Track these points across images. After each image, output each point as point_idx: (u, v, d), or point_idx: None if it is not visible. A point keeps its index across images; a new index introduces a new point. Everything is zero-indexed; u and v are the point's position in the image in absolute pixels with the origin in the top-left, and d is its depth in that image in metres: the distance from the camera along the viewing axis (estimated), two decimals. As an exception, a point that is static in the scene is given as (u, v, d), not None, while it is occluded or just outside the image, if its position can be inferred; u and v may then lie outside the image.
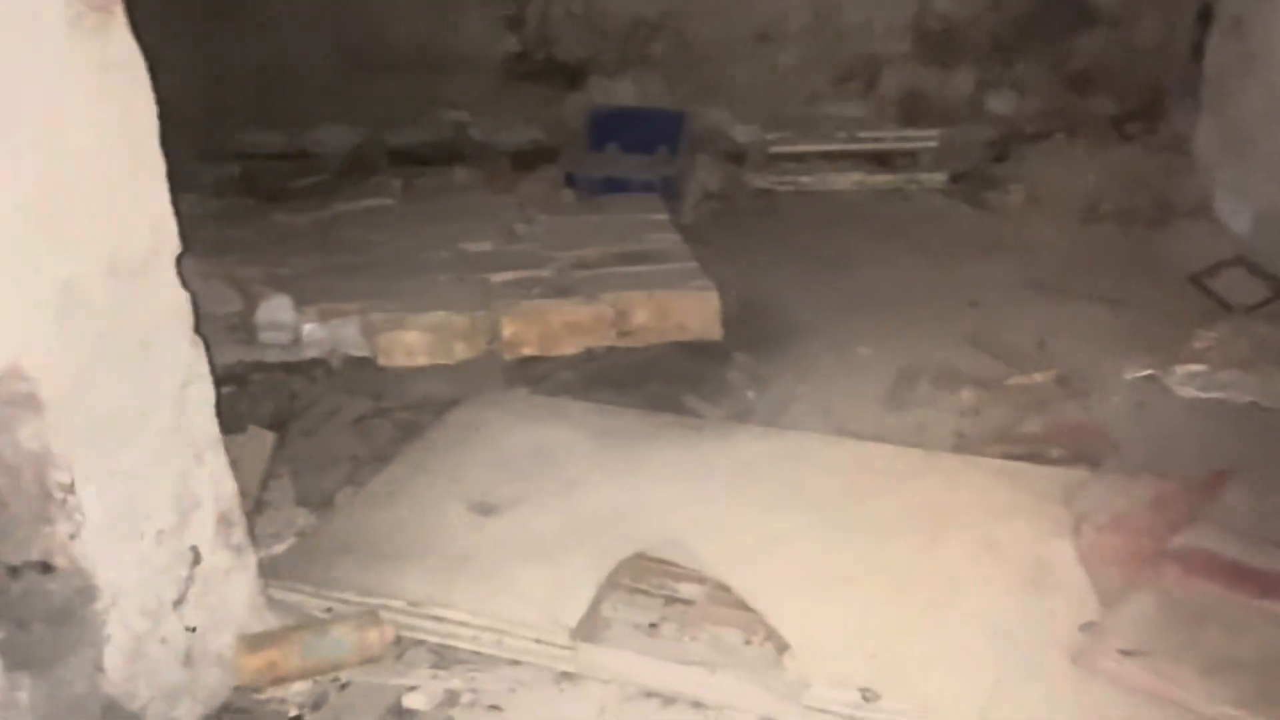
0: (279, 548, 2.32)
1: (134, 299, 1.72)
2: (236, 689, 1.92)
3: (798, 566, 2.07)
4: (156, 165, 1.76)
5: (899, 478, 2.41)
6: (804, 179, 4.75)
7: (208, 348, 1.90)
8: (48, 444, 1.54)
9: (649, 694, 1.89)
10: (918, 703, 1.75)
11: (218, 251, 3.44)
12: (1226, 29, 4.08)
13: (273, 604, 2.03)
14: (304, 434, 2.88)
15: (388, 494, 2.44)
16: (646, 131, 4.72)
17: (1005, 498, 2.30)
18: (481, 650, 1.99)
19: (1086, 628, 1.89)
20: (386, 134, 5.17)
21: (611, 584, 2.04)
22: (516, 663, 1.96)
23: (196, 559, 1.82)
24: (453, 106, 5.24)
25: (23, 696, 1.59)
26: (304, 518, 2.49)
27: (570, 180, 4.48)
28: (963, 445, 2.70)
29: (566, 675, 1.95)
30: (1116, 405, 2.86)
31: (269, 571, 2.08)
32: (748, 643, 1.96)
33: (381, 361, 3.21)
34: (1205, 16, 4.29)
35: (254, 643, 1.91)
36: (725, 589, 2.02)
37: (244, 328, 3.28)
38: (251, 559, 1.98)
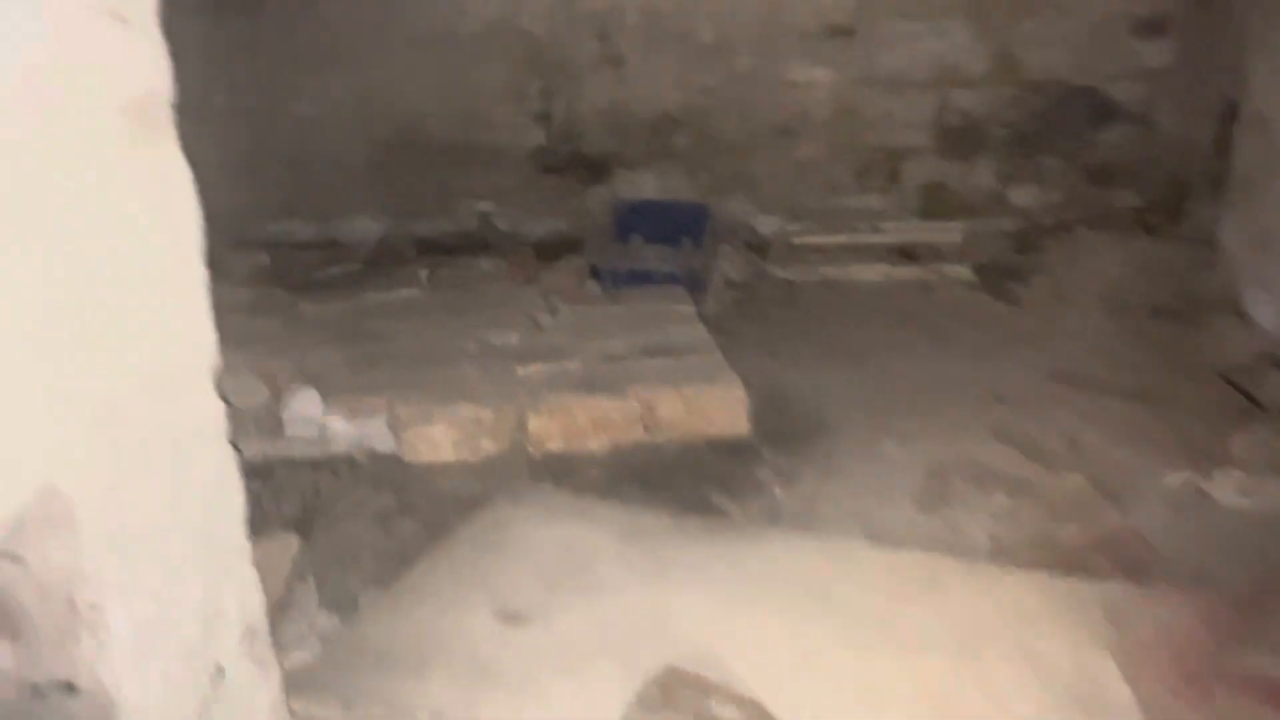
0: (302, 654, 2.28)
1: (170, 412, 1.72)
2: (257, 808, 1.86)
3: (834, 683, 2.02)
4: (199, 279, 1.77)
5: (935, 587, 2.36)
6: (827, 270, 4.77)
7: (235, 447, 1.89)
8: (79, 561, 1.51)
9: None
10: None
11: (246, 343, 3.45)
12: (1252, 125, 4.11)
13: (295, 718, 1.99)
14: (328, 531, 2.85)
15: (413, 598, 2.41)
16: (670, 223, 4.76)
17: (1045, 610, 2.24)
18: (509, 769, 1.93)
19: (1136, 753, 1.82)
20: (414, 224, 5.23)
21: (644, 703, 1.99)
22: (545, 783, 1.91)
23: (220, 675, 1.78)
24: (479, 198, 5.30)
25: (41, 820, 1.55)
26: (327, 621, 2.45)
27: (595, 272, 4.51)
28: (998, 551, 2.65)
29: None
30: (1155, 511, 2.80)
31: (292, 683, 2.04)
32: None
33: (407, 457, 3.19)
34: (1230, 113, 4.32)
35: (276, 760, 1.86)
36: (761, 709, 1.96)
37: (270, 421, 3.27)
38: (276, 673, 1.94)
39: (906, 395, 3.61)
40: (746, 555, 2.55)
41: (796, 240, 4.91)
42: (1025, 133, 5.06)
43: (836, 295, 4.65)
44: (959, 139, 5.10)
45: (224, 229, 4.99)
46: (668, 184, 5.20)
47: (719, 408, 3.35)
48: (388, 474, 3.15)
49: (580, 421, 3.24)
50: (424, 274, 4.52)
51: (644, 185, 5.20)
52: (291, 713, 1.99)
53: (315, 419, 3.23)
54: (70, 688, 1.54)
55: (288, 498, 3.01)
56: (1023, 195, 5.13)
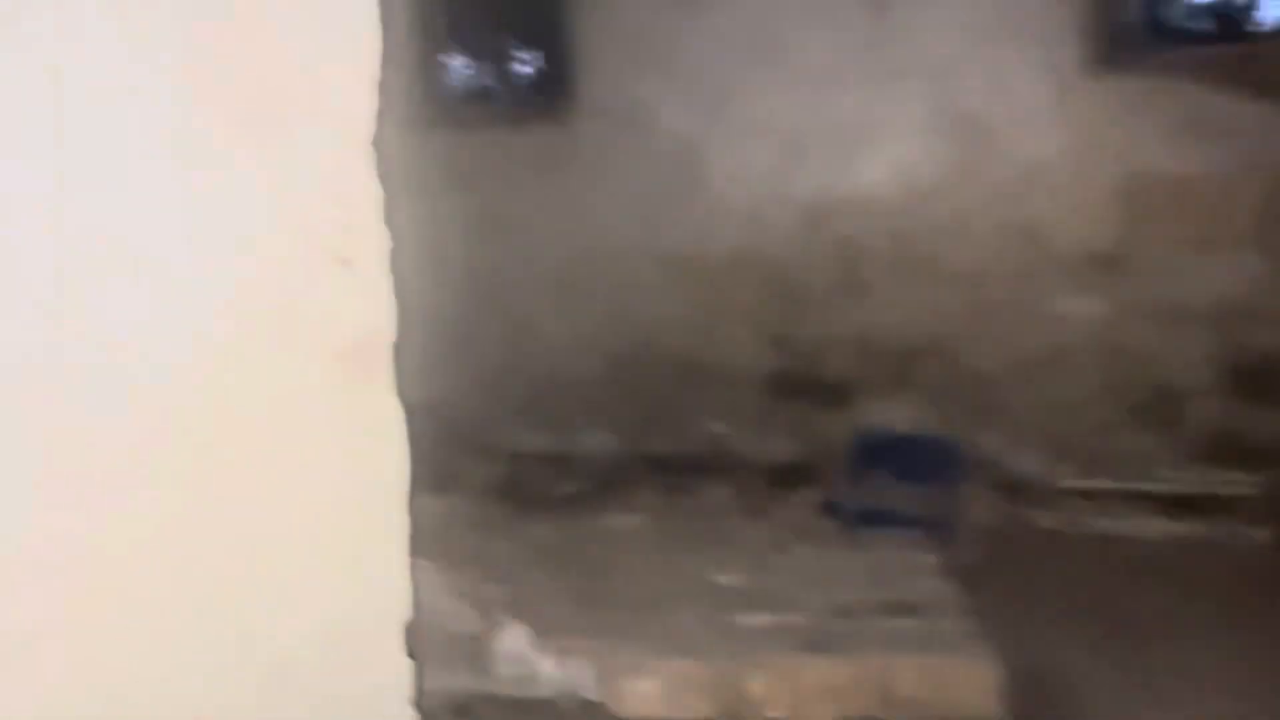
0: None
1: (352, 669, 1.57)
2: None
3: None
4: (400, 531, 1.65)
5: None
6: (1094, 521, 4.25)
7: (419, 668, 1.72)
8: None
9: None
10: None
11: (465, 563, 3.37)
12: None
13: None
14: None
15: None
16: (916, 460, 4.42)
17: None
18: None
19: None
20: (647, 442, 5.16)
21: None
22: None
23: None
24: (713, 419, 5.18)
25: None
26: None
27: (831, 508, 4.20)
28: None
29: None
30: None
31: None
32: None
33: (615, 709, 2.93)
34: None
35: None
36: None
37: (478, 653, 3.12)
38: None
39: (1196, 692, 3.03)
40: None
41: (1058, 485, 4.43)
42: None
43: (1106, 551, 4.11)
44: (1253, 379, 4.53)
45: (463, 437, 5.09)
46: (915, 416, 4.89)
47: (965, 685, 2.90)
48: (592, 727, 2.90)
49: (808, 687, 2.89)
50: (651, 498, 4.37)
51: (887, 416, 4.92)
52: None
53: (524, 657, 3.05)
54: None
55: (486, 743, 2.81)
56: (1334, 447, 4.46)
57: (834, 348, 5.08)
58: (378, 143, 1.57)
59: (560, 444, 5.28)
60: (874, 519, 4.05)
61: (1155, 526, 4.19)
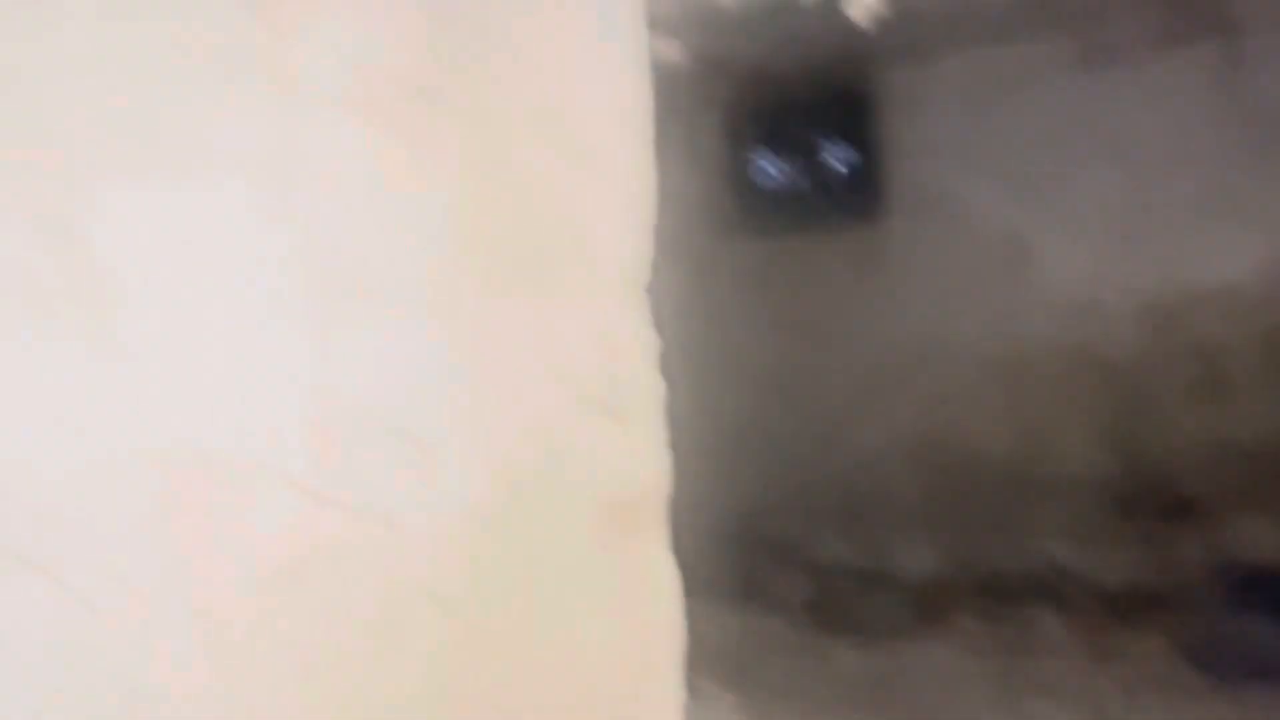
0: None
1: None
2: None
3: None
4: (672, 693, 1.53)
5: None
6: None
7: None
8: None
9: None
10: None
11: (762, 692, 3.20)
12: None
13: None
14: None
15: None
16: (1301, 597, 3.73)
17: None
18: None
19: None
20: (967, 560, 4.75)
21: None
22: None
23: None
24: (1042, 537, 4.69)
25: None
26: None
27: (1193, 652, 3.62)
28: None
29: None
30: None
31: None
32: None
33: None
34: None
35: None
36: None
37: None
38: None
39: None
40: None
41: None
42: None
43: None
44: None
45: (770, 548, 4.94)
46: (1294, 542, 4.17)
47: None
48: None
49: None
50: (972, 627, 3.98)
51: (1262, 542, 4.21)
52: None
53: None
54: None
55: None
56: None
57: (1189, 457, 4.46)
58: (654, 284, 1.50)
59: (873, 559, 4.98)
60: (1251, 671, 3.43)
61: None
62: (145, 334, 0.97)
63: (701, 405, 4.61)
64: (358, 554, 1.12)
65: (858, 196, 5.37)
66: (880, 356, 5.13)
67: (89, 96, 0.94)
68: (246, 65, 1.05)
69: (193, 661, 0.99)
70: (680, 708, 1.55)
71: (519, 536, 1.32)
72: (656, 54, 2.74)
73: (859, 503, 5.06)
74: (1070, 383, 4.75)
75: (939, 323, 5.01)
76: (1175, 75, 4.44)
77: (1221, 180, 4.36)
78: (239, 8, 1.04)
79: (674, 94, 3.20)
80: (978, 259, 4.91)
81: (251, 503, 1.03)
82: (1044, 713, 3.18)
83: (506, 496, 1.29)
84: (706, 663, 1.87)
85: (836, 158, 5.70)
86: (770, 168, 5.76)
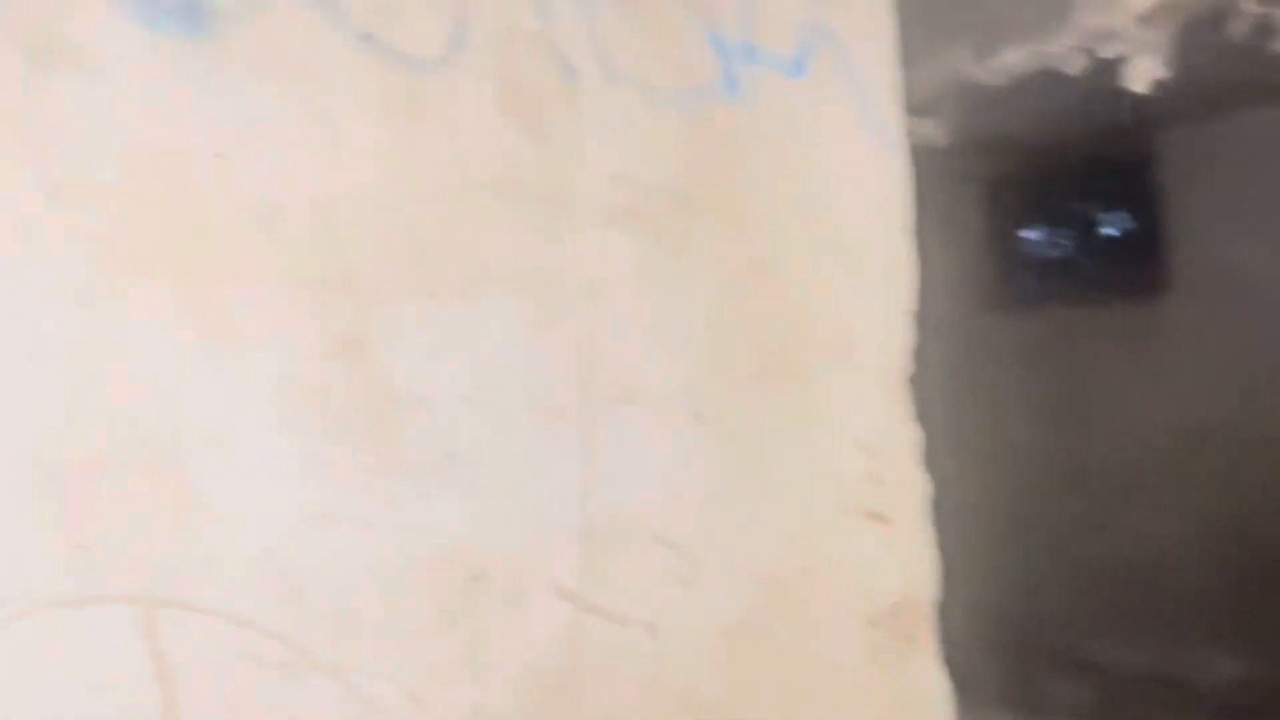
0: None
1: None
2: None
3: None
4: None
5: None
6: None
7: None
8: None
9: None
10: None
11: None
12: None
13: None
14: None
15: None
16: None
17: None
18: None
19: None
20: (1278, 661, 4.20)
21: None
22: None
23: None
24: (1379, 647, 4.08)
25: None
26: None
27: None
28: None
29: None
30: None
31: None
32: None
33: None
34: None
35: None
36: None
37: None
38: None
39: None
40: None
41: None
42: None
43: None
44: None
45: (1047, 650, 4.59)
46: None
47: None
48: None
49: None
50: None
51: None
52: None
53: None
54: None
55: None
56: None
57: None
58: (918, 375, 1.44)
59: (1166, 664, 4.49)
60: None
61: None
62: (425, 445, 1.01)
63: (969, 499, 4.38)
64: (621, 662, 1.12)
65: (1134, 268, 5.01)
66: (1163, 438, 4.70)
67: (376, 221, 1.01)
68: (523, 188, 1.10)
69: (466, 765, 1.01)
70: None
71: (781, 647, 1.27)
72: (915, 136, 2.68)
73: (1147, 600, 4.61)
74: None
75: (1226, 401, 4.54)
76: None
77: None
78: (516, 134, 1.10)
79: (934, 173, 3.12)
80: (1267, 333, 4.43)
81: (523, 610, 1.05)
82: None
83: (768, 606, 1.26)
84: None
85: (1110, 227, 5.37)
86: (1038, 241, 5.49)
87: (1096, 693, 4.32)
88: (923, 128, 2.59)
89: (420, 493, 1.00)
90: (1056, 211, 5.33)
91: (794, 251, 1.33)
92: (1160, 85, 2.32)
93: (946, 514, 1.48)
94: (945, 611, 1.43)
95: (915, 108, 2.73)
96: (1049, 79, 2.40)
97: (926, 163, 2.84)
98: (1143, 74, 2.23)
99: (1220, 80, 3.16)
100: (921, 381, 1.45)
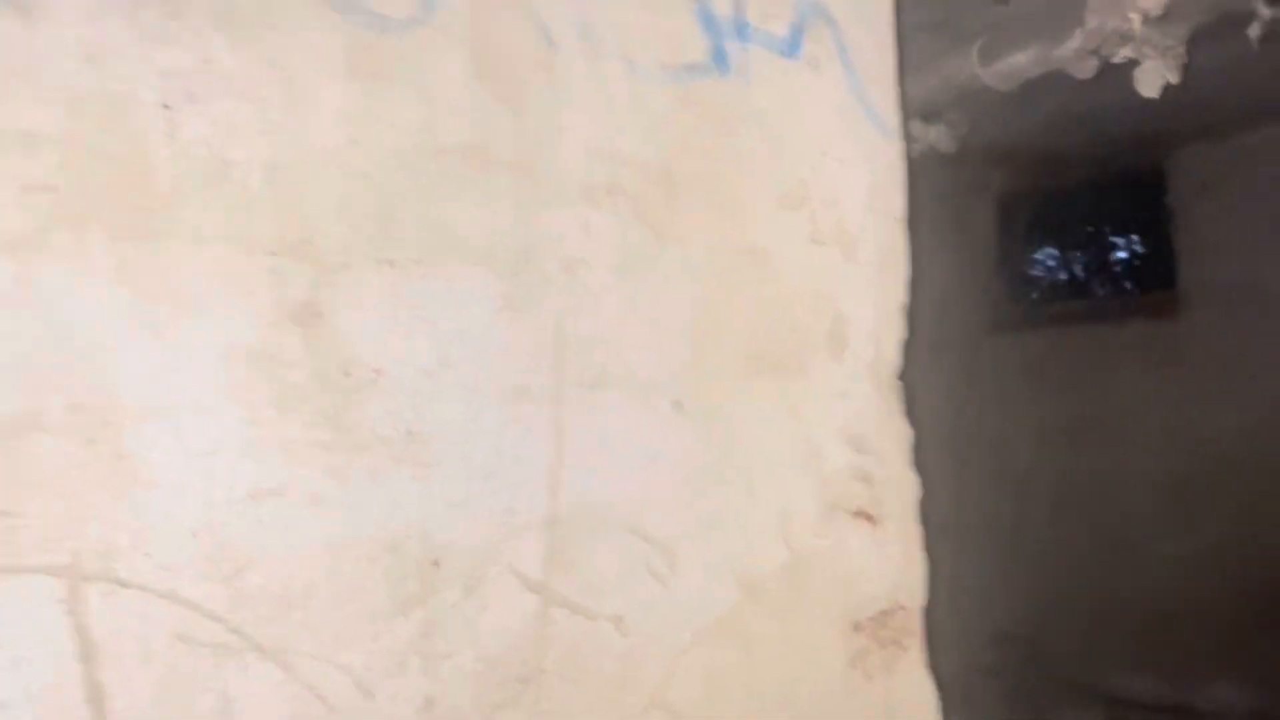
0: None
1: None
2: None
3: None
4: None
5: None
6: None
7: None
8: None
9: None
10: None
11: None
12: None
13: None
14: None
15: None
16: None
17: None
18: None
19: None
20: (1294, 698, 4.10)
21: None
22: None
23: None
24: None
25: None
26: None
27: None
28: None
29: None
30: None
31: None
32: None
33: None
34: None
35: None
36: None
37: None
38: None
39: None
40: None
41: None
42: None
43: None
44: None
45: (1057, 677, 4.49)
46: None
47: None
48: None
49: None
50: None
51: None
52: None
53: None
54: None
55: None
56: None
57: None
58: (909, 373, 1.38)
59: (1177, 694, 4.39)
60: None
61: None
62: (384, 422, 0.96)
63: (962, 507, 4.30)
64: (587, 657, 1.06)
65: (1148, 285, 4.94)
66: (1177, 463, 4.61)
67: (338, 184, 0.96)
68: (495, 156, 1.05)
69: (415, 761, 0.95)
70: None
71: (760, 648, 1.21)
72: (918, 138, 2.62)
73: (1158, 628, 4.51)
74: None
75: (1244, 426, 4.45)
76: None
77: None
78: (490, 101, 1.05)
79: (940, 180, 3.06)
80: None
81: (484, 599, 1.00)
82: None
83: (748, 604, 1.20)
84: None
85: (1123, 243, 5.31)
86: (1048, 255, 5.43)
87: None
88: (929, 134, 2.54)
89: (376, 471, 0.95)
90: (1069, 225, 5.26)
91: (783, 237, 1.27)
92: (1172, 91, 2.26)
93: (937, 521, 1.42)
94: (932, 623, 1.37)
95: (921, 112, 2.68)
96: (1059, 83, 2.35)
97: (933, 169, 2.78)
98: (1154, 79, 2.18)
99: (1235, 86, 3.10)
100: (915, 384, 1.39)
